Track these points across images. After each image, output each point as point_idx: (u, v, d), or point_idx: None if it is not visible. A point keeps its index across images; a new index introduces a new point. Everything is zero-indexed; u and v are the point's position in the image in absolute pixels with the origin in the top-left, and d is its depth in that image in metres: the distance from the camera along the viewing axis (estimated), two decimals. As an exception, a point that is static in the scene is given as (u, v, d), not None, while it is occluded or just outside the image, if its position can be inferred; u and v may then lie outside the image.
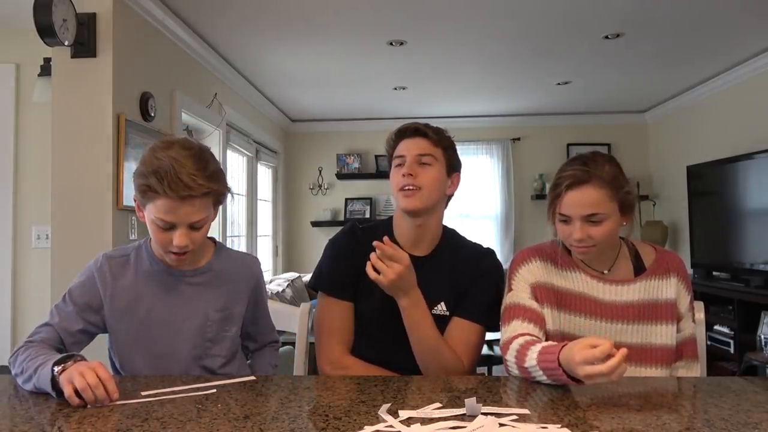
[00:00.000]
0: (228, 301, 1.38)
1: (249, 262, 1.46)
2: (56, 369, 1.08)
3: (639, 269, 1.37)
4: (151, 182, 1.19)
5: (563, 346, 1.11)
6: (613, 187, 1.28)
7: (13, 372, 1.20)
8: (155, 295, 1.33)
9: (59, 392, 1.06)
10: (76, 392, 1.03)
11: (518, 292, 1.37)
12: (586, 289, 1.35)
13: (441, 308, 1.45)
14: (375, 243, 1.30)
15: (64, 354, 1.13)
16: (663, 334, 1.33)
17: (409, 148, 1.46)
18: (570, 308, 1.36)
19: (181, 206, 1.20)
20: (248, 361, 1.51)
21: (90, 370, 1.04)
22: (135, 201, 1.28)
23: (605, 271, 1.37)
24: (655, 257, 1.39)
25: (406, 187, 1.42)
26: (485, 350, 3.89)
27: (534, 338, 1.27)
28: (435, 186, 1.44)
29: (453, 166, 1.50)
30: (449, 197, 1.53)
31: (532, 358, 1.17)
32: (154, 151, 1.23)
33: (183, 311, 1.33)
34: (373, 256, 1.31)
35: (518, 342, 1.25)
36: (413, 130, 1.47)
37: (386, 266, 1.30)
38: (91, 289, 1.31)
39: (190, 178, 1.19)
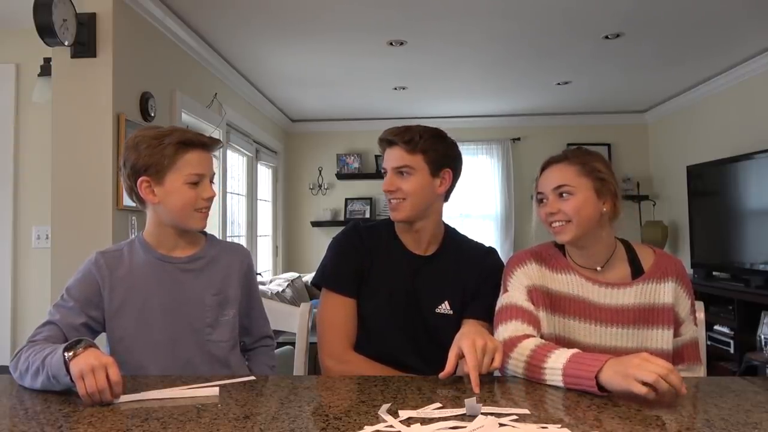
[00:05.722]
0: (222, 285, 1.40)
1: (240, 249, 1.50)
2: (67, 355, 1.07)
3: (637, 272, 1.35)
4: (179, 138, 1.29)
5: (608, 360, 1.08)
6: (584, 166, 1.32)
7: (16, 373, 1.17)
8: (151, 283, 1.34)
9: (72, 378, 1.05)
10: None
11: (515, 293, 1.36)
12: (580, 292, 1.34)
13: (445, 307, 1.45)
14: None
15: (73, 339, 1.12)
16: (660, 339, 1.31)
17: (387, 159, 1.46)
18: (565, 311, 1.34)
19: (207, 156, 1.35)
20: (246, 363, 1.50)
21: (102, 370, 1.02)
22: (140, 185, 1.30)
23: (598, 268, 1.35)
24: (654, 260, 1.36)
25: (390, 200, 1.44)
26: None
27: (549, 343, 1.25)
28: (418, 194, 1.43)
29: (439, 165, 1.45)
30: (445, 194, 1.51)
31: (558, 361, 1.13)
32: (141, 136, 1.31)
33: (179, 297, 1.35)
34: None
35: (533, 342, 1.22)
36: (388, 141, 1.46)
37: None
38: (90, 283, 1.32)
39: (197, 134, 1.34)
